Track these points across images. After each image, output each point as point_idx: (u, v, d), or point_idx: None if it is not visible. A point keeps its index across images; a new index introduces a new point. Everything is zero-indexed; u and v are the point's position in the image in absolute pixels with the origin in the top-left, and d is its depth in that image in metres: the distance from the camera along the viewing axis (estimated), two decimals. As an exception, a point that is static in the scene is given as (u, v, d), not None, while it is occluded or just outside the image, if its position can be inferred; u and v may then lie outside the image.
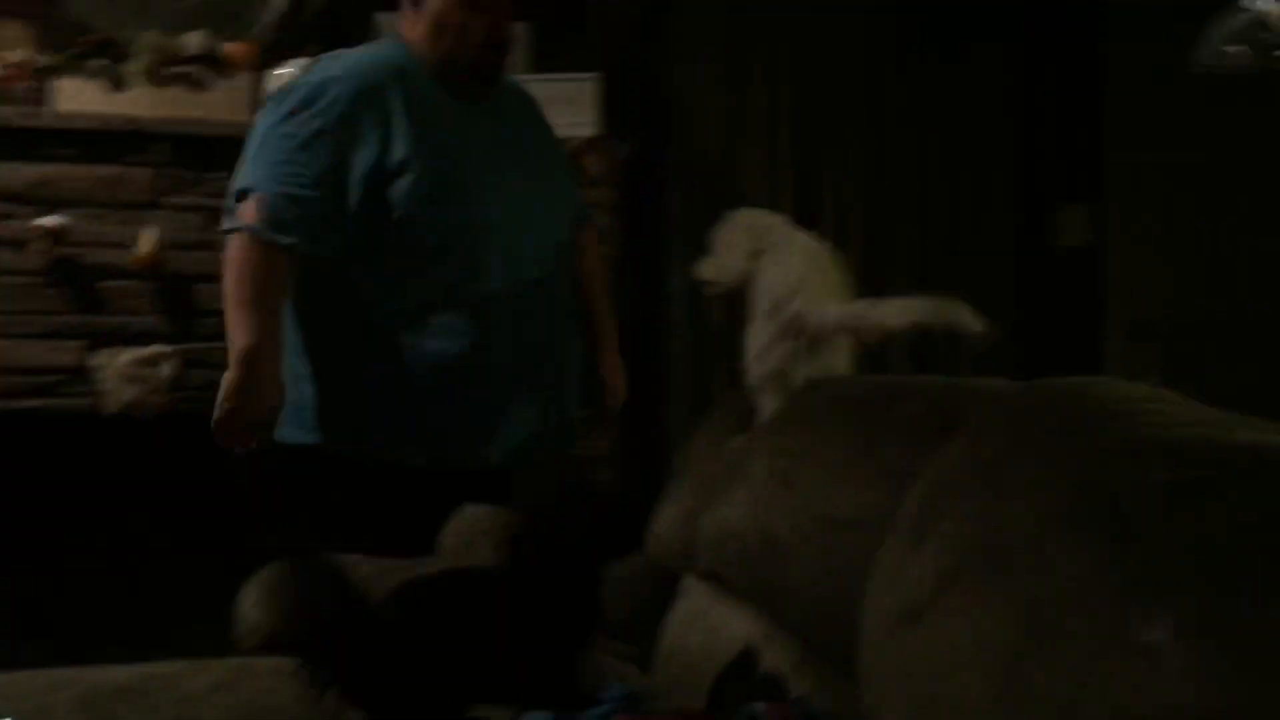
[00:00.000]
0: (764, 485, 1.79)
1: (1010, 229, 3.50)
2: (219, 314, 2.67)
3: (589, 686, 1.70)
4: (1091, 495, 1.04)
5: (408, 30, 2.04)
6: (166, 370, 2.72)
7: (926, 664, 1.11)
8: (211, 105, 2.75)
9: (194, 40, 2.74)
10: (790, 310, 2.03)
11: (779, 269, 2.04)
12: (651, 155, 3.30)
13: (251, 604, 2.01)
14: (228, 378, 1.81)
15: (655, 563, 2.17)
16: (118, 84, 2.71)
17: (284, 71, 2.80)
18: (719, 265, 2.20)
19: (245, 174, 1.91)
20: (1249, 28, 3.79)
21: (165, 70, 2.73)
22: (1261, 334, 3.71)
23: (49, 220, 2.59)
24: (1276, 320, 3.73)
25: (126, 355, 2.70)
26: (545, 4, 3.14)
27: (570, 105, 3.01)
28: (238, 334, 1.83)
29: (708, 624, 1.91)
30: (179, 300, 2.73)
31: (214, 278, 2.69)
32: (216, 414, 1.79)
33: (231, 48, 2.78)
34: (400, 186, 1.91)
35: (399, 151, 1.91)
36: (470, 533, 2.11)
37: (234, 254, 1.86)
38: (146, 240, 2.65)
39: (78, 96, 2.68)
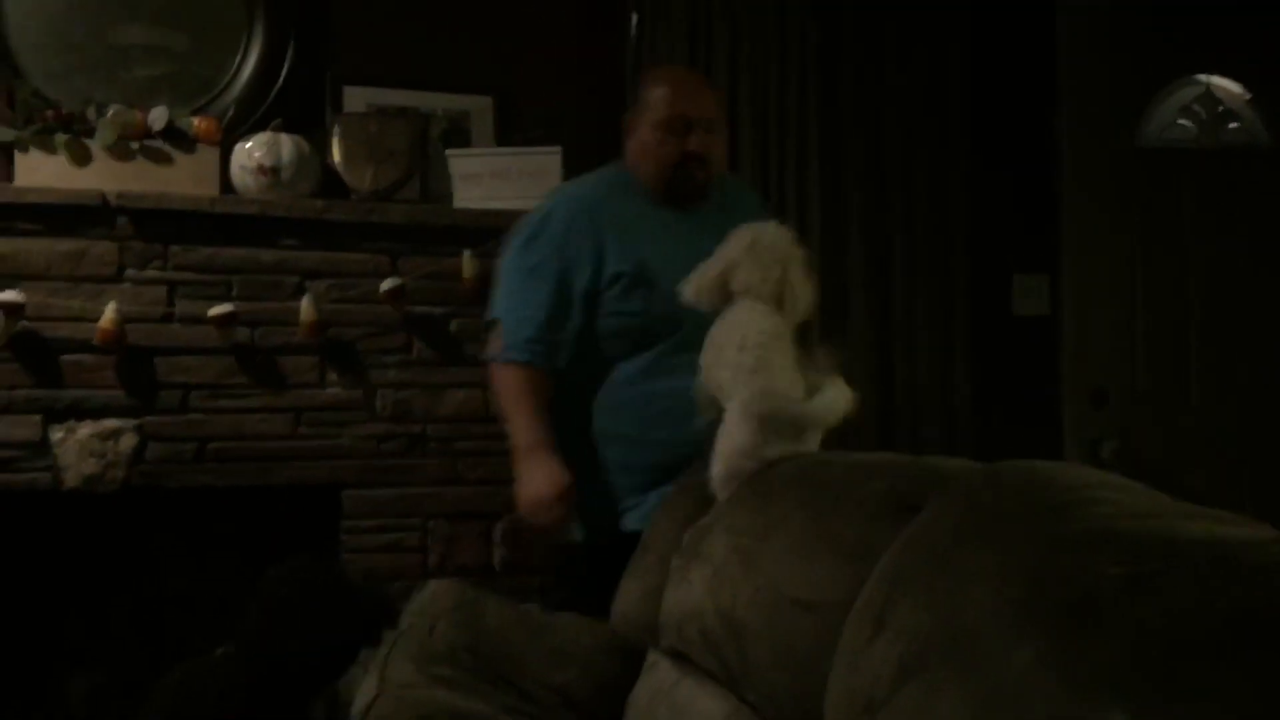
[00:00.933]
0: (724, 564, 1.79)
1: (967, 296, 3.56)
2: (180, 387, 2.71)
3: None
4: (1047, 585, 1.06)
5: (628, 155, 2.45)
6: (126, 444, 2.70)
7: (887, 755, 1.12)
8: (177, 180, 2.76)
9: (159, 115, 2.75)
10: (770, 411, 2.00)
11: (748, 350, 2.03)
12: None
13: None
14: (519, 475, 2.30)
15: (620, 638, 2.17)
16: (81, 158, 2.71)
17: (248, 145, 2.83)
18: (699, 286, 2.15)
19: (492, 307, 2.43)
20: (1200, 101, 3.91)
21: (130, 144, 2.74)
22: (1208, 402, 3.78)
23: (8, 295, 2.58)
24: (1223, 387, 3.80)
25: (86, 429, 2.68)
26: (508, 78, 3.19)
27: (536, 177, 3.05)
28: (517, 437, 2.34)
29: (673, 700, 1.90)
30: (140, 373, 2.72)
31: (176, 350, 2.72)
32: (523, 512, 2.30)
33: (198, 122, 2.80)
34: (612, 295, 2.32)
35: (611, 266, 2.32)
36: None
37: (494, 377, 2.42)
38: (109, 314, 2.64)
39: (40, 170, 2.69)
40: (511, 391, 2.36)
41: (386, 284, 2.85)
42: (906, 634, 1.18)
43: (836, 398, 1.99)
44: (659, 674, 1.99)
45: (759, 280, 2.09)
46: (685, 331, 2.33)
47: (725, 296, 2.11)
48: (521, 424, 2.33)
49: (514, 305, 2.37)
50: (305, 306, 2.78)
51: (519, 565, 2.92)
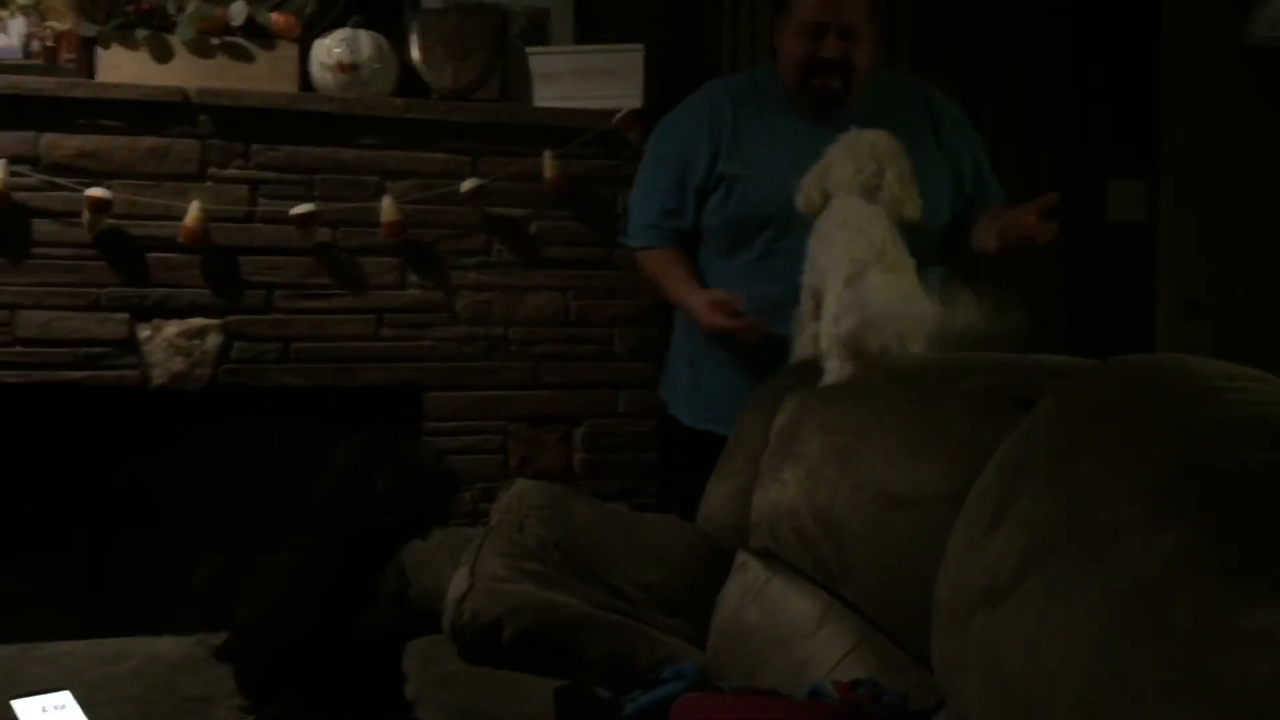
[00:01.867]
0: (819, 463, 1.75)
1: (1061, 202, 3.43)
2: (264, 286, 2.71)
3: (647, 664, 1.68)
4: (1188, 473, 1.00)
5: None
6: (212, 342, 2.71)
7: (1010, 646, 1.08)
8: (257, 76, 2.73)
9: (239, 10, 2.71)
10: (864, 297, 1.93)
11: (854, 234, 1.96)
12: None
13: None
14: (698, 323, 2.36)
15: (708, 538, 2.15)
16: (163, 54, 2.69)
17: (327, 41, 2.78)
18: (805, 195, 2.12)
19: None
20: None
21: (210, 40, 2.71)
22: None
23: (95, 191, 2.58)
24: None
25: (172, 327, 2.69)
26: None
27: (616, 77, 2.98)
28: (675, 301, 2.49)
29: (764, 600, 1.88)
30: (225, 273, 2.72)
31: (259, 250, 2.72)
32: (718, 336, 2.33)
33: (277, 17, 2.76)
34: (717, 195, 2.40)
35: (721, 167, 2.39)
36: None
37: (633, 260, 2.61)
38: (193, 212, 2.63)
39: (123, 67, 2.67)
40: (648, 271, 2.54)
41: (466, 185, 2.81)
42: (1030, 524, 1.13)
43: (962, 307, 1.90)
44: (749, 574, 1.97)
45: (852, 175, 2.04)
46: (773, 234, 2.35)
47: (825, 197, 2.06)
48: (669, 289, 2.48)
49: (640, 193, 2.53)
50: (386, 206, 2.75)
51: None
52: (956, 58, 3.38)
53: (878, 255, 1.91)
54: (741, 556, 2.04)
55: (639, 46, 2.96)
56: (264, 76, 2.74)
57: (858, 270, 1.89)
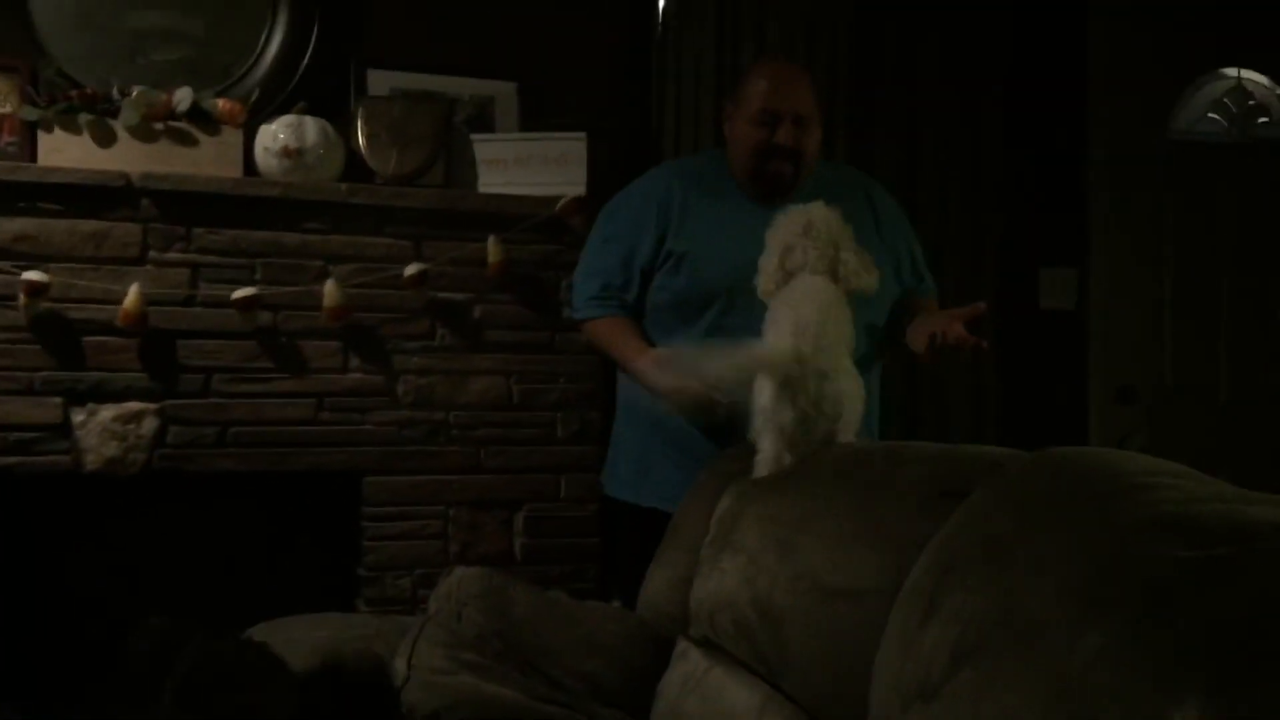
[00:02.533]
0: (759, 553, 1.76)
1: (995, 289, 3.52)
2: (202, 370, 2.69)
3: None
4: (1115, 571, 1.03)
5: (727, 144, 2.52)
6: (148, 427, 2.68)
7: (944, 742, 1.08)
8: (201, 161, 2.74)
9: (184, 96, 2.72)
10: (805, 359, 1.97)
11: (796, 307, 2.01)
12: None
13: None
14: (650, 389, 2.33)
15: (648, 626, 2.14)
16: (106, 139, 2.69)
17: (272, 127, 2.80)
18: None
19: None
20: (1231, 95, 3.86)
21: (154, 125, 2.71)
22: (1237, 400, 3.74)
23: (32, 275, 2.56)
24: (1252, 385, 3.76)
25: (108, 412, 2.65)
26: (533, 64, 3.16)
27: (560, 164, 3.02)
28: (628, 367, 2.45)
29: (704, 690, 1.88)
30: (162, 356, 2.69)
31: (199, 334, 2.70)
32: (672, 406, 2.29)
33: (222, 104, 2.77)
34: (663, 272, 2.44)
35: (669, 245, 2.44)
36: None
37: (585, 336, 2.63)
38: (132, 296, 2.61)
39: (64, 150, 2.66)
40: (596, 340, 2.56)
41: (410, 269, 2.82)
42: (961, 619, 1.15)
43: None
44: (689, 663, 1.96)
45: (816, 258, 2.08)
46: (721, 309, 2.40)
47: (786, 279, 2.10)
48: (619, 354, 2.48)
49: (585, 269, 2.56)
50: (329, 290, 2.75)
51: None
52: (893, 147, 3.47)
53: (822, 323, 1.96)
54: (682, 645, 2.03)
55: (582, 135, 3.01)
56: (208, 161, 2.75)
57: (801, 330, 1.93)
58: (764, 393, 1.99)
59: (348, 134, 2.91)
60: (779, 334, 2.01)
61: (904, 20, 3.48)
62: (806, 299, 2.04)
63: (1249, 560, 0.95)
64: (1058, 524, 1.15)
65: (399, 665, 1.90)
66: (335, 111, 2.92)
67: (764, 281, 2.13)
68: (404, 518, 2.84)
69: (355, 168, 2.90)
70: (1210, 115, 3.86)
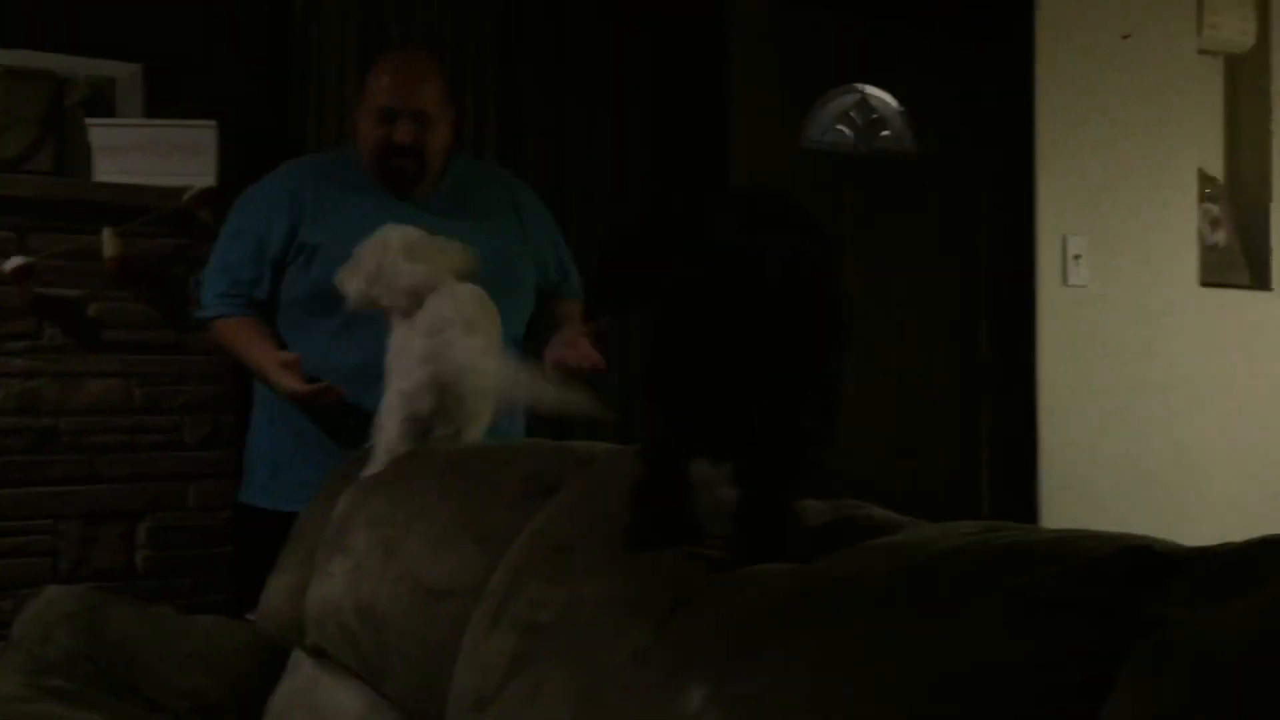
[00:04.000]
0: (366, 556, 1.73)
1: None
2: None
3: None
4: (653, 576, 1.07)
5: None
6: None
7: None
8: None
9: None
10: (445, 350, 1.94)
11: (442, 300, 1.98)
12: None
13: None
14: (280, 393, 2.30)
15: (263, 637, 2.06)
16: None
17: None
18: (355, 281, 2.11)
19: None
20: (857, 108, 4.17)
21: None
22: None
23: None
24: (869, 384, 4.06)
25: None
26: (160, 44, 2.97)
27: (189, 153, 2.85)
28: (261, 371, 2.36)
29: (313, 699, 1.83)
30: None
31: None
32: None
33: None
34: (301, 263, 2.39)
35: (300, 238, 2.39)
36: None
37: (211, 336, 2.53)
38: None
39: None
40: (224, 341, 2.47)
41: (10, 262, 2.58)
42: (521, 627, 1.17)
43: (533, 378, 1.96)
44: (300, 674, 1.91)
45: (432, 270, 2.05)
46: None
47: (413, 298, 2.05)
48: (246, 355, 2.40)
49: (215, 264, 2.46)
50: (-90, 286, 2.48)
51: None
52: (543, 154, 3.51)
53: (464, 319, 1.95)
54: (296, 655, 1.97)
55: (212, 123, 2.86)
56: None
57: (440, 327, 1.91)
58: (407, 378, 1.95)
59: (-62, 113, 2.64)
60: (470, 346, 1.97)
61: (542, 26, 3.52)
62: (468, 303, 2.01)
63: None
64: (612, 528, 1.18)
65: (-33, 698, 1.73)
66: (-77, 88, 2.64)
67: (356, 301, 2.10)
68: (6, 533, 2.60)
69: (-53, 151, 2.63)
70: (839, 127, 4.15)
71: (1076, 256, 4.08)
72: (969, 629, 0.83)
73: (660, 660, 0.97)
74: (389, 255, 2.06)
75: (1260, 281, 4.42)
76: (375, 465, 1.95)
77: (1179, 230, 4.27)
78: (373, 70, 2.49)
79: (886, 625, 0.87)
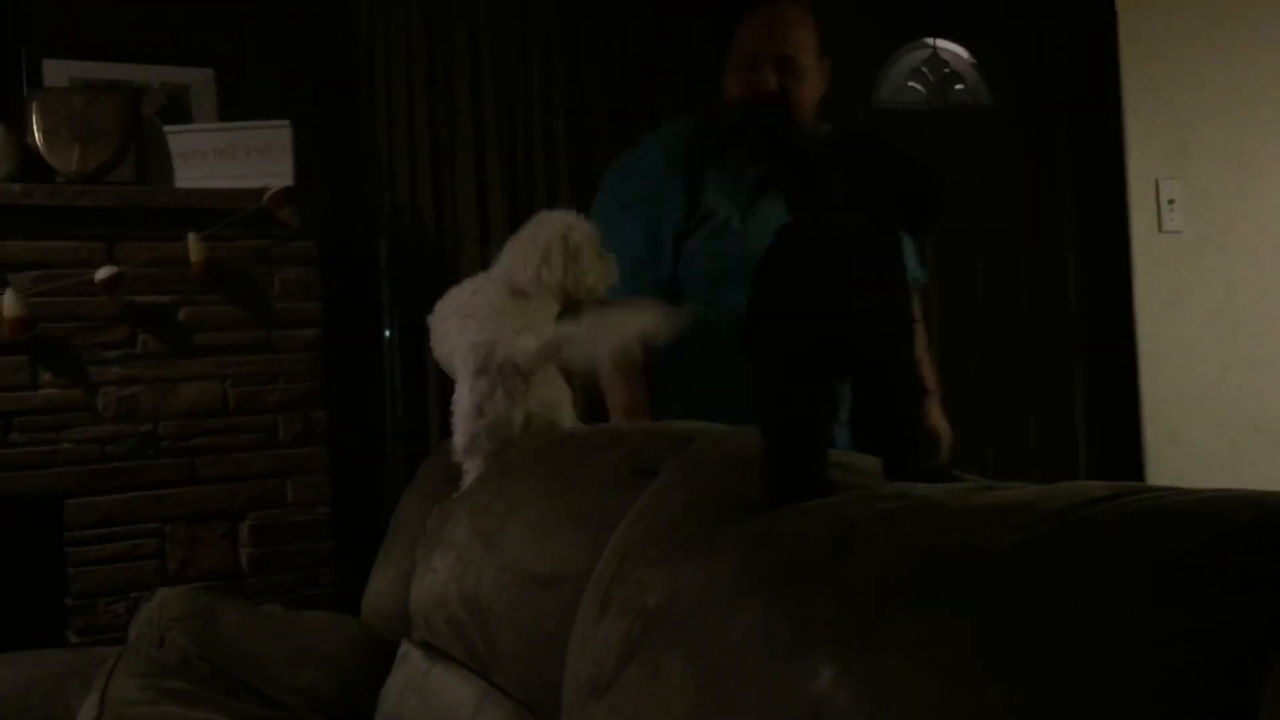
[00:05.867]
0: (467, 547, 1.73)
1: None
2: None
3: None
4: (766, 551, 1.04)
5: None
6: None
7: (616, 735, 1.08)
8: None
9: None
10: (497, 358, 1.93)
11: (474, 321, 1.96)
12: (357, 203, 3.19)
13: None
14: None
15: (371, 631, 2.07)
16: None
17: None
18: None
19: None
20: (928, 64, 4.07)
21: None
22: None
23: None
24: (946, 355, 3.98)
25: None
26: (231, 49, 3.00)
27: (264, 154, 2.88)
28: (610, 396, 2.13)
29: (424, 690, 1.83)
30: None
31: None
32: None
33: None
34: (701, 235, 2.11)
35: (706, 205, 2.10)
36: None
37: None
38: None
39: None
40: None
41: (101, 273, 2.63)
42: (631, 611, 1.15)
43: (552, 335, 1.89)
44: (410, 665, 1.91)
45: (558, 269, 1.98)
46: None
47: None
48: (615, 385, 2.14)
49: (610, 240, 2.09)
50: (8, 301, 2.53)
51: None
52: (605, 111, 3.47)
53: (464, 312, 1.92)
54: (404, 647, 1.98)
55: (286, 122, 2.88)
56: None
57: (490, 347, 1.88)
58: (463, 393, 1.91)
59: (23, 130, 2.69)
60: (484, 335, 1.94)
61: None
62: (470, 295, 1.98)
63: (873, 529, 0.98)
64: (719, 505, 1.16)
65: (91, 703, 1.76)
66: (7, 106, 2.69)
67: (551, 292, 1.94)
68: (113, 539, 2.66)
69: (34, 167, 2.68)
70: (910, 84, 4.06)
71: (1171, 201, 3.95)
72: (1108, 599, 0.79)
73: (780, 638, 0.94)
74: (581, 249, 1.94)
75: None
76: (467, 479, 1.93)
77: (1278, 169, 4.09)
78: (739, 24, 2.23)
79: (1019, 596, 0.83)
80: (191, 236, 2.72)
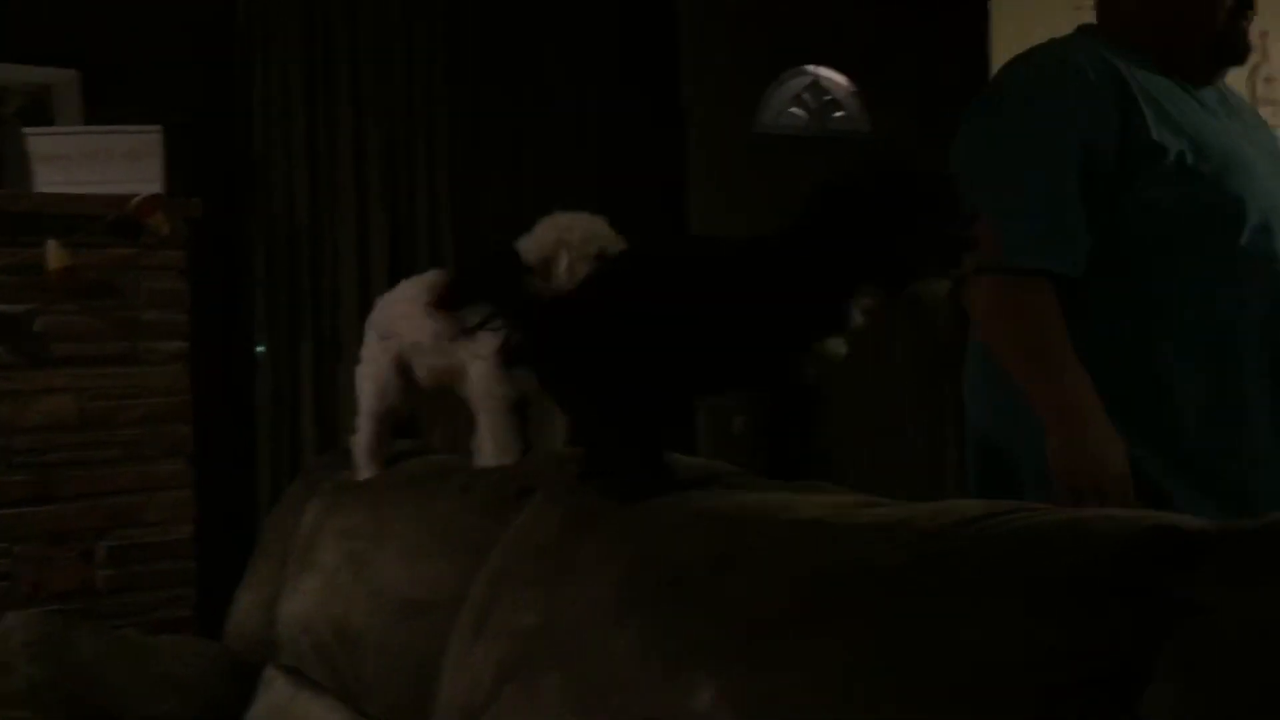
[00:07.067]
0: (335, 571, 1.68)
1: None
2: None
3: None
4: (645, 570, 1.03)
5: (1120, 19, 1.70)
6: None
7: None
8: None
9: None
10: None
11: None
12: (230, 212, 3.09)
13: None
14: (1060, 441, 1.47)
15: (234, 655, 2.00)
16: None
17: None
18: None
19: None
20: (809, 90, 4.14)
21: None
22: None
23: None
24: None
25: None
26: (97, 49, 2.89)
27: (133, 159, 2.78)
28: (1047, 390, 1.50)
29: (288, 718, 1.76)
30: None
31: None
32: (1069, 486, 1.44)
33: None
34: (1151, 178, 1.54)
35: (1152, 135, 1.54)
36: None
37: (985, 303, 1.56)
38: None
39: None
40: (1028, 320, 1.52)
41: (-50, 279, 2.50)
42: (507, 632, 1.12)
43: None
44: (274, 692, 1.84)
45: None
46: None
47: None
48: (1057, 367, 1.50)
49: (1001, 193, 1.54)
50: None
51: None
52: (498, 152, 3.44)
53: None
54: (269, 672, 1.90)
55: (157, 127, 2.78)
56: None
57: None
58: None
59: None
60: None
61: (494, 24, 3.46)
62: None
63: (754, 546, 0.97)
64: (598, 526, 1.14)
65: (-73, 735, 1.66)
66: None
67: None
68: (-41, 560, 2.52)
69: (-122, 166, 2.54)
70: (792, 110, 4.12)
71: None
72: (990, 620, 0.79)
73: (661, 656, 0.93)
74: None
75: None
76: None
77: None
78: None
79: (902, 617, 0.83)
80: (50, 243, 2.60)
